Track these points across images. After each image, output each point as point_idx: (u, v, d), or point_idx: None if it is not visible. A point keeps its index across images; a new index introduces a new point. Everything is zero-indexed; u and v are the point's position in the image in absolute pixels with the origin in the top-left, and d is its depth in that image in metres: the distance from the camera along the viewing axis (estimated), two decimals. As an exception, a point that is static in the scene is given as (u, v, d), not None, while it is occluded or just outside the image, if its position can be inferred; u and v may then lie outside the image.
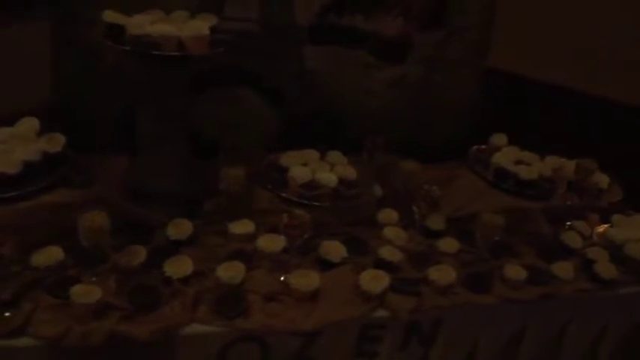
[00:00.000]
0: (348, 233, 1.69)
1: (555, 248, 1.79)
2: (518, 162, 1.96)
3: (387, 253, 1.59)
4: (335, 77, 2.22)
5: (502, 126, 2.70)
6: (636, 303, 1.74)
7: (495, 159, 1.95)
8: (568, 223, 1.93)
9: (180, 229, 1.57)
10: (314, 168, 1.74)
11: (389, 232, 1.69)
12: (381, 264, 1.58)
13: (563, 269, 1.68)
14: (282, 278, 1.49)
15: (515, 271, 1.62)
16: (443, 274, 1.57)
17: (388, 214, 1.76)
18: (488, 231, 1.62)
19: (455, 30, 2.26)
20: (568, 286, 1.66)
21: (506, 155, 1.97)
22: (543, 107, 2.75)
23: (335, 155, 1.82)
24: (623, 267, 1.77)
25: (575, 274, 1.71)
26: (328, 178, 1.70)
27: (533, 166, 1.93)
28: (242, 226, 1.63)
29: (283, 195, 1.68)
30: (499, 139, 2.08)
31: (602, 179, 2.12)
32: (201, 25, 1.54)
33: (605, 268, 1.71)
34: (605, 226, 1.93)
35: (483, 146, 2.09)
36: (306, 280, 1.48)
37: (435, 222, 1.77)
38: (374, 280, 1.50)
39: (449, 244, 1.70)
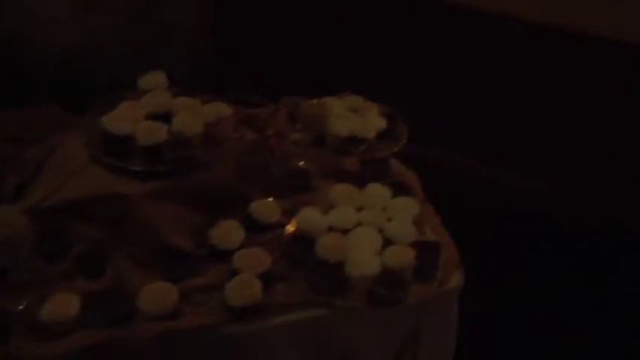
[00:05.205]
0: None
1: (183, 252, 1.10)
2: (161, 116, 1.16)
3: None
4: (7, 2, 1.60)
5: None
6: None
7: (107, 119, 1.14)
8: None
9: None
10: None
11: None
12: None
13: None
14: None
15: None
16: None
17: None
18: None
19: None
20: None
21: (134, 108, 1.15)
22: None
23: None
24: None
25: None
26: None
27: (178, 120, 1.14)
28: None
29: None
30: (151, 79, 1.27)
31: (369, 123, 1.36)
32: None
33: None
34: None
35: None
36: None
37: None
38: None
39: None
